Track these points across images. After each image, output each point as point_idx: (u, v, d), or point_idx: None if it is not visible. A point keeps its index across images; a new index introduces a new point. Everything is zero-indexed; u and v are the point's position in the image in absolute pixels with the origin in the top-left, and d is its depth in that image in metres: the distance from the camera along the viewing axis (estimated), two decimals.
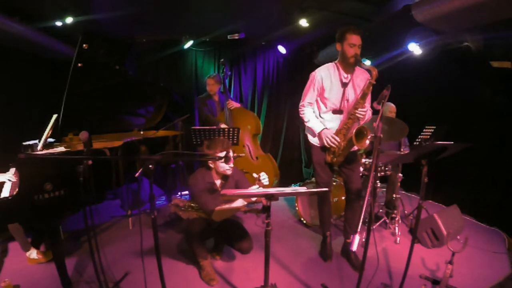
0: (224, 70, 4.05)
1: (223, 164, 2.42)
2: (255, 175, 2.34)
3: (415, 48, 3.55)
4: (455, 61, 3.66)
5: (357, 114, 2.42)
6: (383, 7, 3.37)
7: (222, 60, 4.15)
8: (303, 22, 3.67)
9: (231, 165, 2.47)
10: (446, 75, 3.83)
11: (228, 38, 4.44)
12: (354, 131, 2.32)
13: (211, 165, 2.50)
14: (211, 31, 4.44)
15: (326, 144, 2.53)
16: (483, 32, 3.16)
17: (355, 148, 2.63)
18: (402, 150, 3.59)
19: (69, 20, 3.46)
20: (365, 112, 2.42)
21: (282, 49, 4.91)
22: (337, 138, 2.48)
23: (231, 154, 2.45)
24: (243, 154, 3.93)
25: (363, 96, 2.39)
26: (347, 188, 2.73)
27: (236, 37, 4.43)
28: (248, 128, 4.08)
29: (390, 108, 3.60)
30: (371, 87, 2.36)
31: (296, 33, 4.21)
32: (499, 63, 3.28)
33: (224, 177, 2.56)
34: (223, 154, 2.36)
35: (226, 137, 3.22)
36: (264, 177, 2.35)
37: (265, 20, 4.07)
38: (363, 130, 2.31)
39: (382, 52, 3.94)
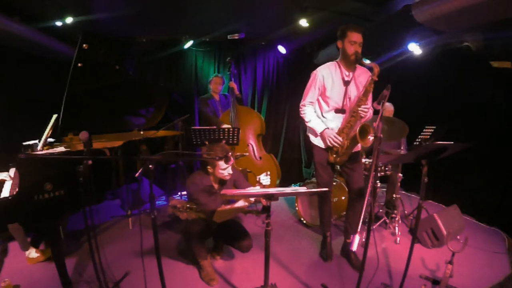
0: (230, 68, 4.09)
1: (222, 171, 2.42)
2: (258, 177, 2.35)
3: (415, 48, 3.55)
4: (455, 61, 3.66)
5: (359, 112, 2.41)
6: (383, 7, 3.37)
7: (228, 58, 4.16)
8: (303, 22, 3.66)
9: (230, 170, 2.46)
10: (446, 75, 3.84)
11: (228, 38, 4.44)
12: (358, 128, 2.31)
13: (210, 170, 2.49)
14: (211, 31, 4.44)
15: (329, 144, 2.52)
16: (483, 32, 3.16)
17: (358, 148, 2.63)
18: (401, 150, 3.59)
19: (69, 20, 3.46)
20: (368, 110, 2.42)
21: (282, 49, 4.90)
22: (340, 138, 2.47)
23: (230, 155, 2.45)
24: (247, 154, 3.95)
25: (365, 93, 2.39)
26: (349, 188, 2.73)
27: (236, 37, 4.43)
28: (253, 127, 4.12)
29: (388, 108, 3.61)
30: (373, 84, 2.36)
31: (296, 33, 4.21)
32: (499, 63, 3.28)
33: (222, 181, 2.56)
34: (222, 162, 2.36)
35: (226, 137, 3.22)
36: (264, 178, 2.35)
37: (265, 20, 4.07)
38: (366, 127, 2.30)
39: (382, 52, 3.94)
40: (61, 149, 2.62)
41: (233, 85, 4.04)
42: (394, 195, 3.37)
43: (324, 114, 2.61)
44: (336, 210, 3.43)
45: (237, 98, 4.15)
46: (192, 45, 4.71)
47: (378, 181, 3.32)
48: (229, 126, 3.78)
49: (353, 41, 2.37)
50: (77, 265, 2.65)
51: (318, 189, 2.66)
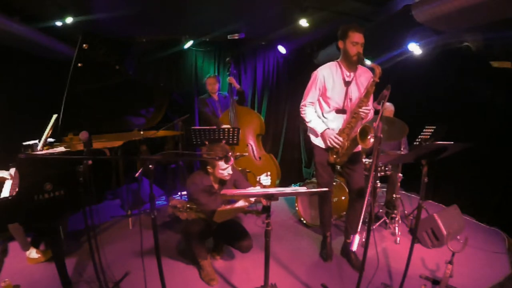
0: (230, 69, 4.08)
1: (222, 171, 2.42)
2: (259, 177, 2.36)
3: (415, 48, 3.55)
4: (455, 61, 3.66)
5: (360, 113, 2.41)
6: (383, 7, 3.37)
7: (228, 59, 4.16)
8: (303, 22, 3.66)
9: (230, 171, 2.46)
10: (446, 75, 3.83)
11: (228, 38, 4.44)
12: (358, 130, 2.31)
13: (210, 170, 2.49)
14: (211, 31, 4.44)
15: (329, 144, 2.51)
16: (483, 32, 3.16)
17: (359, 148, 2.63)
18: (402, 150, 3.59)
19: (69, 20, 3.47)
20: (369, 111, 2.42)
21: (282, 49, 4.91)
22: (340, 138, 2.47)
23: (230, 154, 2.45)
24: (246, 154, 3.95)
25: (367, 95, 2.38)
26: (349, 188, 2.73)
27: (236, 37, 4.43)
28: (252, 127, 4.13)
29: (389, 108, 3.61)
30: (374, 86, 2.36)
31: (296, 33, 4.21)
32: (499, 63, 3.27)
33: (222, 181, 2.56)
34: (222, 162, 2.36)
35: (226, 137, 3.22)
36: (264, 178, 2.35)
37: (265, 20, 4.07)
38: (366, 128, 2.29)
39: (382, 52, 3.94)
40: (61, 149, 2.62)
41: (232, 80, 4.03)
42: (394, 195, 3.37)
43: (325, 115, 2.60)
44: (336, 210, 3.43)
45: (239, 92, 4.14)
46: (192, 45, 4.71)
47: (378, 181, 3.32)
48: (229, 126, 3.78)
49: (355, 41, 2.35)
50: (77, 265, 2.64)
51: (318, 189, 2.66)
